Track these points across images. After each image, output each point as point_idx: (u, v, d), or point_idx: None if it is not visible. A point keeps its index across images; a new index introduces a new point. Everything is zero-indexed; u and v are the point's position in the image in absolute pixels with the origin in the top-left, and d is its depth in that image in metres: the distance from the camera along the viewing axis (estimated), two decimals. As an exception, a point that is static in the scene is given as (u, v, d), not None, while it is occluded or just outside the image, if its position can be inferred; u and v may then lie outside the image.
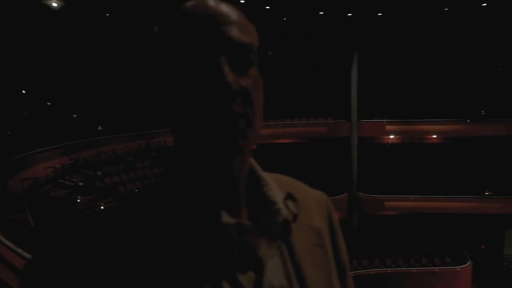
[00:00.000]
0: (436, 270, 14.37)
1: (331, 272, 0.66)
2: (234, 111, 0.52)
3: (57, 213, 9.83)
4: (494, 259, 16.31)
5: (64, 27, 14.79)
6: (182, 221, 0.53)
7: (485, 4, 15.13)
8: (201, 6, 0.54)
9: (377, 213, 16.54)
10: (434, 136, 17.71)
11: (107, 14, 15.26)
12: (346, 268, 0.72)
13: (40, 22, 14.39)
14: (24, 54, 14.95)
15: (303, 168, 15.49)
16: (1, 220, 8.76)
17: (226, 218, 0.54)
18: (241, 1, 12.22)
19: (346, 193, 16.72)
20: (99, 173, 12.73)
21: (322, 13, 15.86)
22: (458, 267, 14.26)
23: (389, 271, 14.54)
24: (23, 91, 16.58)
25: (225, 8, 0.54)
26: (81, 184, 11.95)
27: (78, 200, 11.11)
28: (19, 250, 5.61)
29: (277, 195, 0.61)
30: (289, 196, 0.62)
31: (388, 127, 17.48)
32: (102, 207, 10.88)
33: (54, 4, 13.33)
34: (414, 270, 14.46)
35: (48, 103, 16.82)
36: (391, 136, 18.04)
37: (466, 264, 14.29)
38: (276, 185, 0.63)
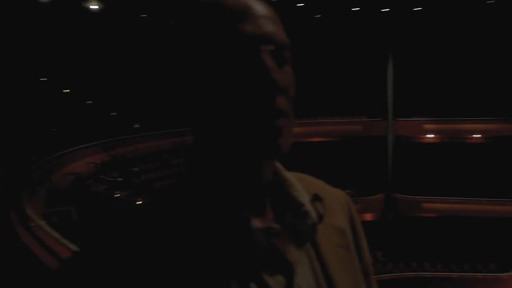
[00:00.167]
0: (480, 276, 13.70)
1: (358, 274, 0.64)
2: (278, 109, 0.50)
3: (97, 207, 10.26)
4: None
5: (103, 28, 15.38)
6: (209, 223, 0.52)
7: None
8: (238, 1, 0.52)
9: (414, 214, 16.00)
10: (476, 135, 16.87)
11: (144, 15, 15.71)
12: (370, 269, 0.69)
13: (81, 24, 15.05)
14: (67, 55, 15.70)
15: (336, 167, 15.26)
16: (47, 212, 9.27)
17: (255, 222, 0.52)
18: (275, -1, 12.16)
19: (381, 194, 16.31)
20: (136, 169, 13.15)
21: (356, 9, 15.52)
22: (504, 275, 13.52)
23: (427, 275, 14.03)
24: (66, 91, 17.43)
25: (261, 4, 0.53)
26: (119, 180, 12.41)
27: (117, 196, 11.54)
28: (65, 241, 5.91)
29: (304, 196, 0.59)
30: (316, 197, 0.60)
31: (426, 126, 16.84)
32: (138, 203, 11.24)
33: (93, 7, 13.88)
34: (455, 276, 13.87)
35: (89, 102, 17.58)
36: (430, 135, 17.37)
37: (512, 272, 13.54)
38: (301, 186, 0.61)
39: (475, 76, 16.68)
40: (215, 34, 0.50)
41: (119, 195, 11.57)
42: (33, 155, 12.94)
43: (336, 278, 0.59)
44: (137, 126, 17.45)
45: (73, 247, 5.70)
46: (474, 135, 16.83)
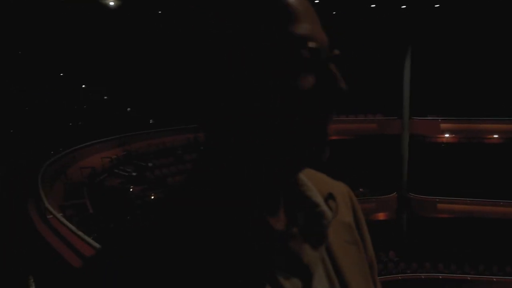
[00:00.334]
0: (495, 279, 13.44)
1: (367, 271, 0.63)
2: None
3: (112, 201, 10.44)
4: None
5: (121, 25, 15.55)
6: (226, 223, 0.49)
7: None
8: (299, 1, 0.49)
9: (428, 215, 15.77)
10: (495, 136, 16.48)
11: (159, 12, 15.80)
12: (374, 264, 0.67)
13: (99, 21, 15.25)
14: (83, 52, 15.94)
15: (350, 166, 15.14)
16: (64, 205, 9.47)
17: (274, 224, 0.51)
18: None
19: (395, 193, 16.12)
20: (150, 164, 13.30)
21: (374, 5, 15.30)
22: (519, 278, 13.26)
23: (441, 276, 13.84)
24: (83, 86, 17.72)
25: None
26: (133, 174, 12.57)
27: (131, 190, 11.70)
28: (80, 233, 6.03)
29: (317, 195, 0.57)
30: (330, 196, 0.58)
31: (443, 125, 16.54)
32: (152, 197, 11.38)
33: (111, 3, 14.03)
34: (469, 278, 13.64)
35: (105, 97, 17.84)
36: (446, 135, 17.05)
37: (529, 275, 13.24)
38: (312, 183, 0.59)
39: (494, 75, 16.28)
40: (274, 37, 0.46)
41: (133, 189, 11.73)
42: (50, 149, 13.23)
43: (348, 277, 0.58)
44: (152, 121, 17.64)
45: (88, 239, 5.80)
46: (492, 136, 16.46)
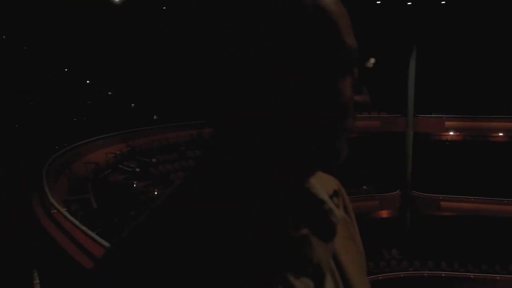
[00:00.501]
0: (498, 278, 13.40)
1: (363, 265, 0.62)
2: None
3: (116, 197, 10.49)
4: None
5: (125, 21, 15.56)
6: (224, 225, 0.48)
7: None
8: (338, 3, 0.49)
9: (432, 213, 15.73)
10: (500, 134, 16.38)
11: (164, 8, 15.79)
12: (364, 256, 0.67)
13: (104, 17, 15.27)
14: (88, 46, 15.97)
15: (354, 163, 15.10)
16: (68, 200, 9.53)
17: (282, 224, 0.51)
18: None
19: (399, 191, 16.08)
20: (153, 160, 13.34)
21: (379, 2, 15.20)
22: (522, 277, 13.22)
23: (443, 274, 13.82)
24: (87, 81, 17.77)
25: None
26: (137, 170, 12.62)
27: (134, 185, 11.75)
28: (84, 228, 6.06)
29: (323, 192, 0.56)
30: (335, 193, 0.58)
31: (447, 123, 16.45)
32: (155, 193, 11.42)
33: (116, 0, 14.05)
34: (472, 276, 13.61)
35: (109, 93, 17.89)
36: (451, 133, 16.97)
37: (532, 274, 13.20)
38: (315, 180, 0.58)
39: (499, 73, 16.16)
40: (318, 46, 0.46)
41: (136, 185, 11.78)
42: (55, 144, 13.30)
43: (349, 273, 0.57)
44: (155, 117, 17.68)
45: (92, 234, 5.84)
46: (497, 134, 16.36)
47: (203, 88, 0.50)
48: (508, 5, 14.68)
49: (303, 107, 0.47)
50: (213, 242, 0.47)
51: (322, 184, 0.59)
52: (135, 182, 11.90)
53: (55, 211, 7.19)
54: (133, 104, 18.58)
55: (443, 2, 15.02)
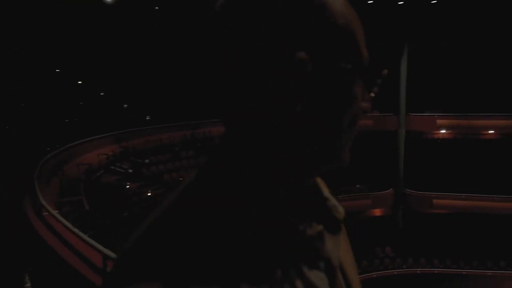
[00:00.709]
0: (489, 273, 13.56)
1: (355, 265, 0.64)
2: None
3: (108, 198, 10.41)
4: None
5: (117, 21, 15.46)
6: (223, 225, 0.48)
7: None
8: (351, 9, 0.52)
9: (424, 211, 15.86)
10: (491, 131, 16.57)
11: (156, 8, 15.73)
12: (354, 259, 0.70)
13: (96, 17, 15.14)
14: (80, 46, 15.84)
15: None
16: (60, 201, 9.43)
17: (305, 227, 0.52)
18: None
19: (391, 189, 16.18)
20: (146, 161, 13.27)
21: (371, 1, 15.28)
22: (513, 272, 13.39)
23: (436, 271, 13.94)
24: (79, 82, 17.61)
25: None
26: (130, 171, 12.54)
27: (127, 187, 11.67)
28: (76, 230, 5.99)
29: (326, 190, 0.59)
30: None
31: (439, 121, 16.60)
32: (149, 194, 11.36)
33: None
34: (464, 272, 13.75)
35: (102, 94, 17.75)
36: (442, 131, 17.12)
37: (523, 270, 13.37)
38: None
39: (489, 71, 16.34)
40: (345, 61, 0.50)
41: (129, 186, 11.70)
42: (46, 145, 13.16)
43: (349, 274, 0.59)
44: (148, 118, 17.58)
45: (84, 237, 5.78)
46: (487, 131, 16.55)
47: (202, 88, 0.51)
48: (498, 5, 14.86)
49: (304, 107, 0.47)
50: (214, 243, 0.47)
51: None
52: (128, 183, 11.83)
53: (47, 213, 7.12)
54: (125, 105, 18.46)
55: (434, 2, 15.15)
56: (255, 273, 0.47)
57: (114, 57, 16.33)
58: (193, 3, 14.15)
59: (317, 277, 0.52)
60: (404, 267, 14.14)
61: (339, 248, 0.57)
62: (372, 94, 0.54)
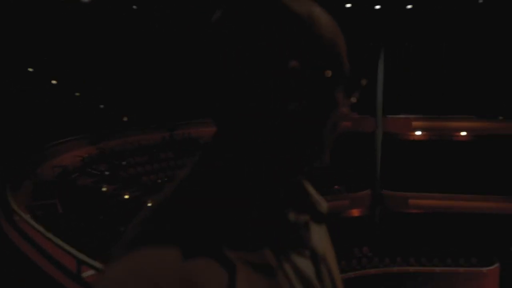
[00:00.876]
0: (461, 270, 13.99)
1: (336, 263, 0.67)
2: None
3: (83, 201, 10.15)
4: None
5: (93, 19, 15.12)
6: (223, 225, 0.48)
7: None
8: (335, 26, 0.56)
9: (400, 210, 16.22)
10: (463, 133, 17.13)
11: (134, 7, 15.48)
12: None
13: (70, 15, 14.77)
14: (54, 45, 15.41)
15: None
16: (32, 205, 9.12)
17: (293, 216, 0.55)
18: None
19: (369, 190, 16.47)
20: (123, 163, 13.03)
21: (349, 5, 15.54)
22: (484, 269, 13.83)
23: (411, 270, 14.26)
24: (54, 82, 17.12)
25: None
26: (106, 173, 12.28)
27: (104, 189, 11.42)
28: (50, 235, 5.80)
29: (309, 187, 0.61)
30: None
31: (414, 123, 17.03)
32: (126, 197, 11.15)
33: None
34: (438, 270, 14.13)
35: (77, 94, 17.31)
36: (418, 133, 17.58)
37: (494, 266, 13.82)
38: None
39: (462, 74, 16.90)
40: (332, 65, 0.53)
41: (106, 189, 11.45)
42: (19, 147, 12.71)
43: (332, 266, 0.61)
44: (125, 119, 17.25)
45: (57, 240, 5.61)
46: (460, 133, 17.09)
47: (202, 88, 0.52)
48: (473, 8, 15.40)
49: (304, 107, 0.50)
50: (214, 245, 0.46)
51: None
52: (104, 185, 11.57)
53: (18, 218, 6.87)
54: (102, 106, 18.06)
55: (409, 7, 15.55)
56: (248, 255, 0.47)
57: (90, 56, 15.97)
58: (175, 3, 14.03)
59: (304, 263, 0.54)
60: (381, 266, 14.39)
61: (323, 240, 0.60)
62: (353, 100, 0.57)
